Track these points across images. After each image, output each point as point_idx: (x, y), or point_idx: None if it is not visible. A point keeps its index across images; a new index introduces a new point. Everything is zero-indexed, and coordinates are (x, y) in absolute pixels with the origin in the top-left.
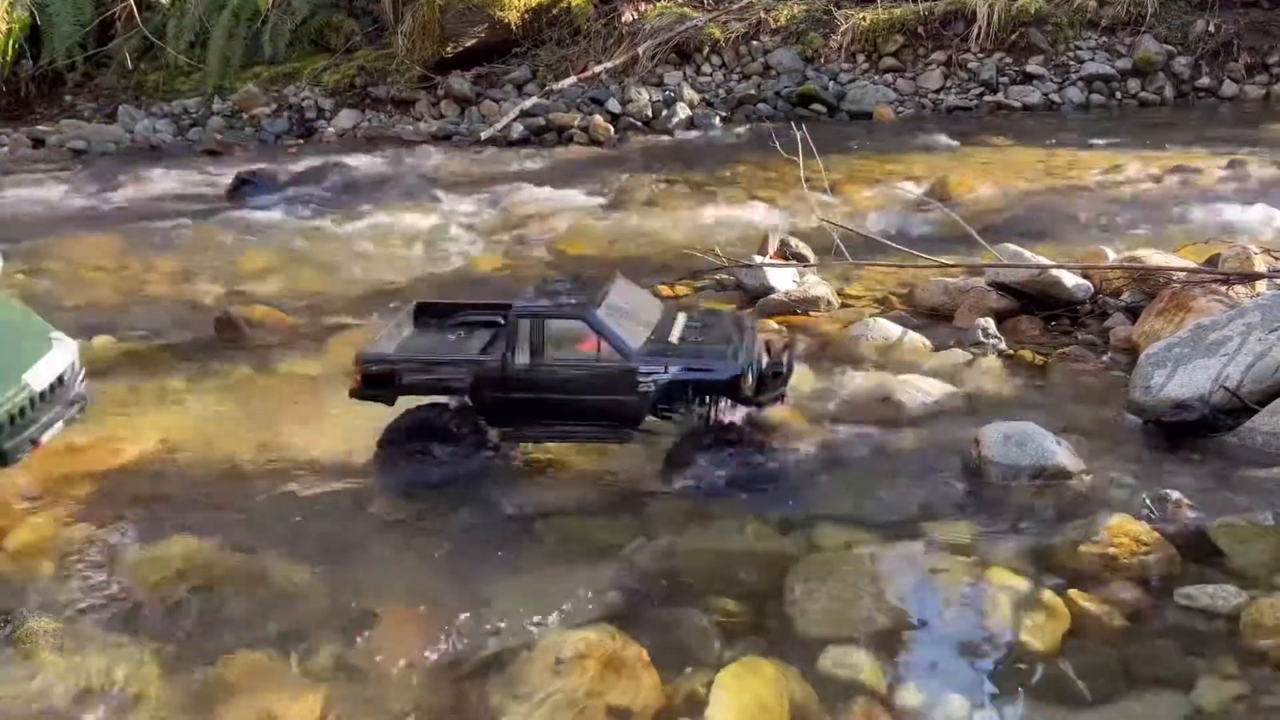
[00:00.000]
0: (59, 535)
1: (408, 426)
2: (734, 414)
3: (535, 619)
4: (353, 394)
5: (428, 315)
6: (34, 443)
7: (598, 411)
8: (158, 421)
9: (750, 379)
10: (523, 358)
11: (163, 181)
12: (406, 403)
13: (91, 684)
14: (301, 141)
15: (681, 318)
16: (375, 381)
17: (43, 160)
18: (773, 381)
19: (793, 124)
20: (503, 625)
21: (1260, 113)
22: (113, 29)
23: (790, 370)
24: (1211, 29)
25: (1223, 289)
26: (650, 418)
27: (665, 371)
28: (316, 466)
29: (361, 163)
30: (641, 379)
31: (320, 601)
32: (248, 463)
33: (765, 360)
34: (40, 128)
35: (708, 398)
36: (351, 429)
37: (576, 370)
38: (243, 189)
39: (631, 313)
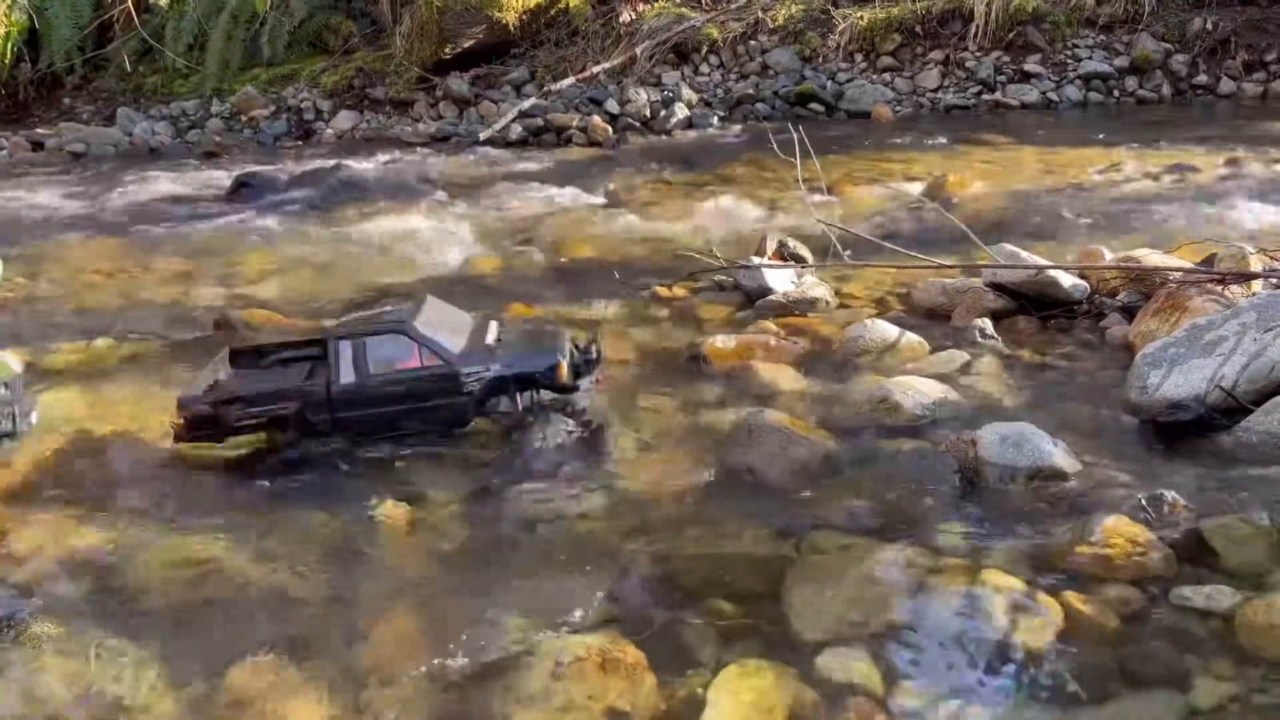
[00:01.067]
0: (62, 538)
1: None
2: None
3: (535, 624)
4: (177, 439)
5: (243, 357)
6: None
7: (426, 416)
8: (158, 425)
9: (565, 368)
10: (347, 378)
11: (162, 184)
12: None
13: (94, 689)
14: (300, 143)
15: (494, 325)
16: (200, 424)
17: (42, 163)
18: (586, 368)
19: (790, 124)
20: (503, 630)
21: (1258, 110)
22: (111, 32)
23: (600, 357)
24: (1209, 27)
25: (1219, 289)
26: (477, 419)
27: (487, 370)
28: (318, 470)
29: (360, 164)
30: (465, 380)
31: (323, 608)
32: (248, 467)
33: (576, 352)
34: (39, 130)
35: (528, 390)
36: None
37: (402, 382)
38: (242, 191)
39: (446, 324)
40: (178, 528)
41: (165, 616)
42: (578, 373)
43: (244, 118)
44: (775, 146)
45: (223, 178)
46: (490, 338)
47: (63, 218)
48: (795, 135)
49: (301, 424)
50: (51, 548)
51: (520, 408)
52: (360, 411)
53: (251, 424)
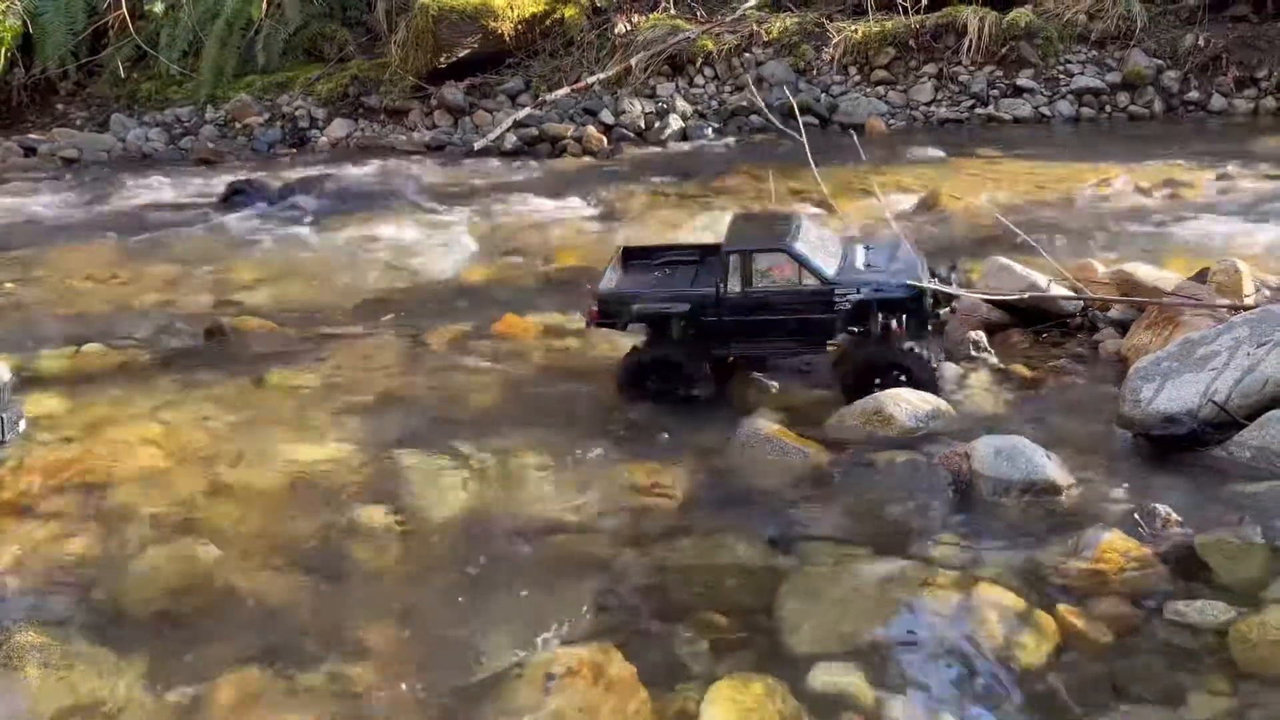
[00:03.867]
0: (47, 548)
1: (641, 363)
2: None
3: (526, 636)
4: (589, 324)
5: (635, 258)
6: None
7: (798, 328)
8: (147, 432)
9: (928, 297)
10: (735, 285)
11: (155, 190)
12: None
13: (79, 700)
14: (294, 151)
15: (859, 249)
16: (610, 312)
17: (34, 168)
18: (945, 300)
19: (795, 130)
20: (494, 643)
21: (1249, 127)
22: (105, 38)
23: (957, 279)
24: (1200, 43)
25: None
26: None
27: (857, 293)
28: (307, 479)
29: (354, 172)
30: (837, 299)
31: (311, 618)
32: (238, 475)
33: (935, 280)
34: (32, 136)
35: (891, 315)
36: (341, 442)
37: (781, 294)
38: (235, 198)
39: (822, 246)
40: (164, 537)
41: (151, 627)
42: (937, 301)
43: (238, 125)
44: (802, 140)
45: (216, 185)
46: (860, 260)
47: (54, 223)
48: (803, 142)
49: (694, 323)
50: (36, 557)
51: (879, 330)
52: (743, 317)
53: (651, 316)
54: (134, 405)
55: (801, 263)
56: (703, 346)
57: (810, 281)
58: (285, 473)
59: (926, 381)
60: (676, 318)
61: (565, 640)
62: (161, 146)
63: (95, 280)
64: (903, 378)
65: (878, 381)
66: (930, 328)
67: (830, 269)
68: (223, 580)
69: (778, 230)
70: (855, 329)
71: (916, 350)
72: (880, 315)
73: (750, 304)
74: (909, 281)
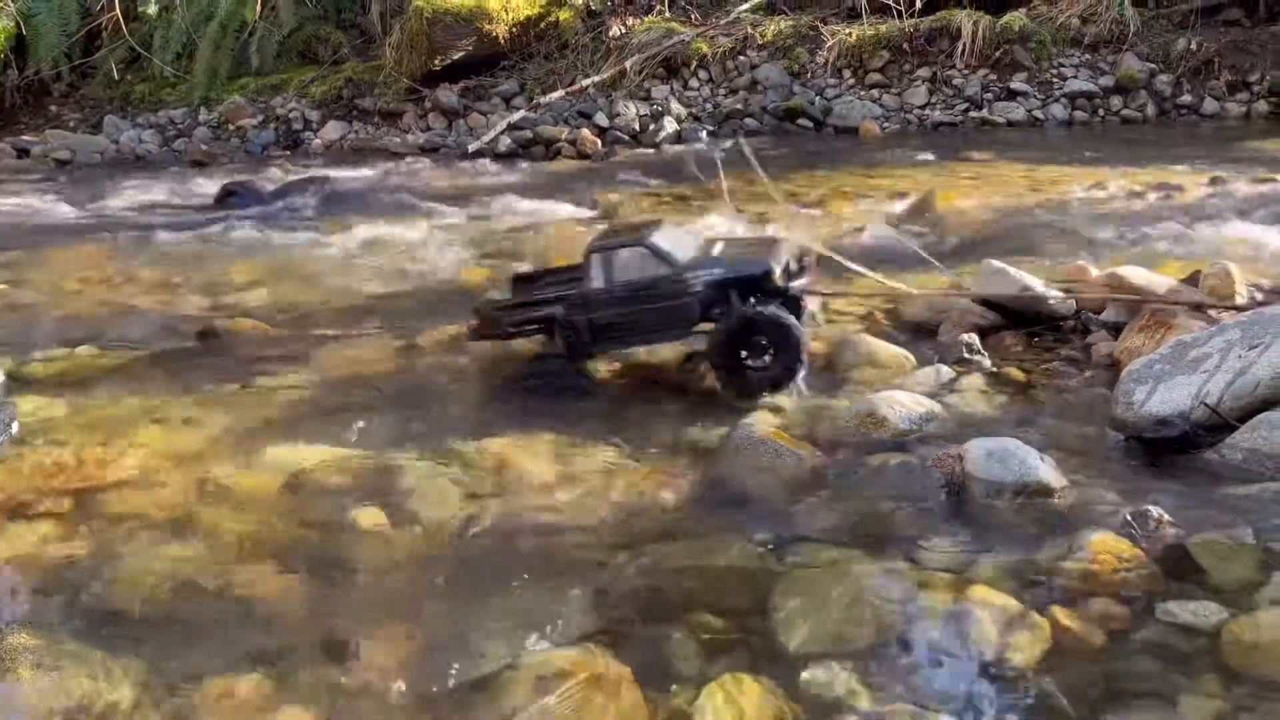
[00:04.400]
0: (39, 550)
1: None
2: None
3: (519, 638)
4: (469, 338)
5: (521, 283)
6: None
7: (660, 317)
8: (140, 433)
9: (777, 273)
10: (599, 283)
11: (148, 192)
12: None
13: (71, 703)
14: (288, 153)
15: (720, 243)
16: (485, 325)
17: (27, 170)
18: (796, 275)
19: (738, 139)
20: (487, 644)
21: (1241, 130)
22: (99, 39)
23: (808, 266)
24: (1193, 47)
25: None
26: (704, 324)
27: (710, 274)
28: (301, 481)
29: (348, 174)
30: (690, 284)
31: (304, 621)
32: (231, 476)
33: (787, 260)
34: (25, 138)
35: (749, 294)
36: (334, 443)
37: (640, 285)
38: (228, 200)
39: (680, 241)
40: (157, 538)
41: (144, 628)
42: (790, 277)
43: (232, 127)
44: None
45: (209, 187)
46: (715, 251)
47: (47, 225)
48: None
49: (564, 324)
50: (28, 558)
51: (736, 309)
52: (609, 312)
53: (527, 328)
54: (127, 407)
55: (655, 253)
56: (580, 346)
57: (665, 271)
58: (278, 474)
59: (788, 342)
60: (547, 321)
61: (559, 641)
62: (155, 148)
63: (88, 282)
64: (765, 342)
65: (744, 355)
66: (796, 308)
67: (688, 255)
68: (215, 582)
69: (637, 231)
70: (718, 313)
71: (767, 312)
72: (735, 294)
73: (614, 299)
74: (757, 265)
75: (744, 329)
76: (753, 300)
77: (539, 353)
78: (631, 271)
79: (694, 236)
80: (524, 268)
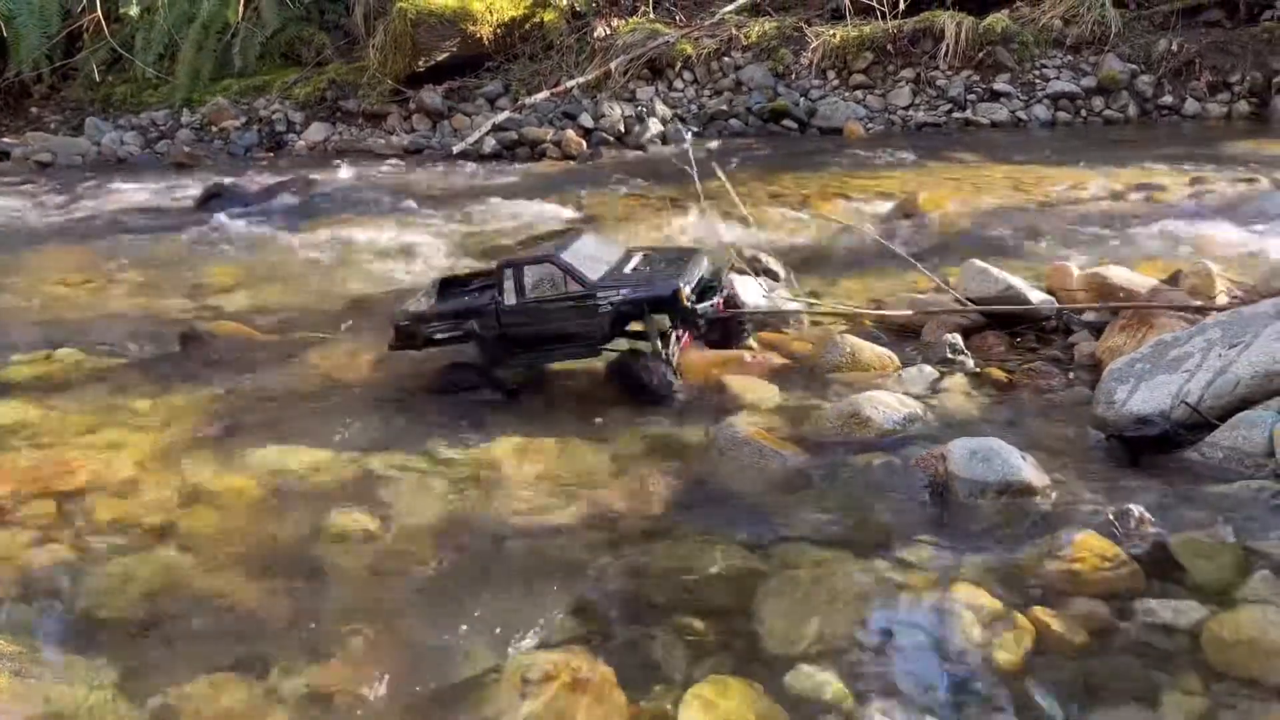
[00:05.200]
0: (18, 555)
1: (450, 374)
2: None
3: (503, 640)
4: (390, 348)
5: (447, 286)
6: None
7: (571, 333)
8: (119, 438)
9: (687, 293)
10: (510, 299)
11: (130, 194)
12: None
13: (50, 709)
14: (271, 154)
15: (637, 257)
16: (404, 337)
17: (8, 173)
18: (708, 294)
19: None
20: (470, 647)
21: (1222, 131)
22: (80, 41)
23: (722, 284)
24: (1174, 48)
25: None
26: (620, 340)
27: (618, 294)
28: (283, 484)
29: (332, 176)
30: (599, 302)
31: (286, 624)
32: (212, 480)
33: (701, 278)
34: (5, 140)
35: (658, 313)
36: (317, 446)
37: (550, 302)
38: (211, 202)
39: (594, 255)
40: (137, 543)
41: (124, 634)
42: (701, 297)
43: (214, 129)
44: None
45: (192, 189)
46: (630, 266)
47: (27, 227)
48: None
49: (478, 337)
50: (6, 564)
51: (654, 333)
52: (520, 327)
53: (442, 338)
54: (107, 410)
55: (565, 271)
56: (494, 360)
57: (575, 288)
58: (261, 478)
59: (649, 382)
60: (463, 335)
61: (542, 644)
62: (137, 150)
63: (69, 285)
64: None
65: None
66: (698, 325)
67: (599, 273)
68: (197, 586)
69: (551, 244)
70: (628, 331)
71: (634, 366)
72: (647, 312)
73: (525, 315)
74: (667, 284)
75: (620, 372)
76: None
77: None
78: (542, 287)
79: (613, 249)
80: (454, 270)
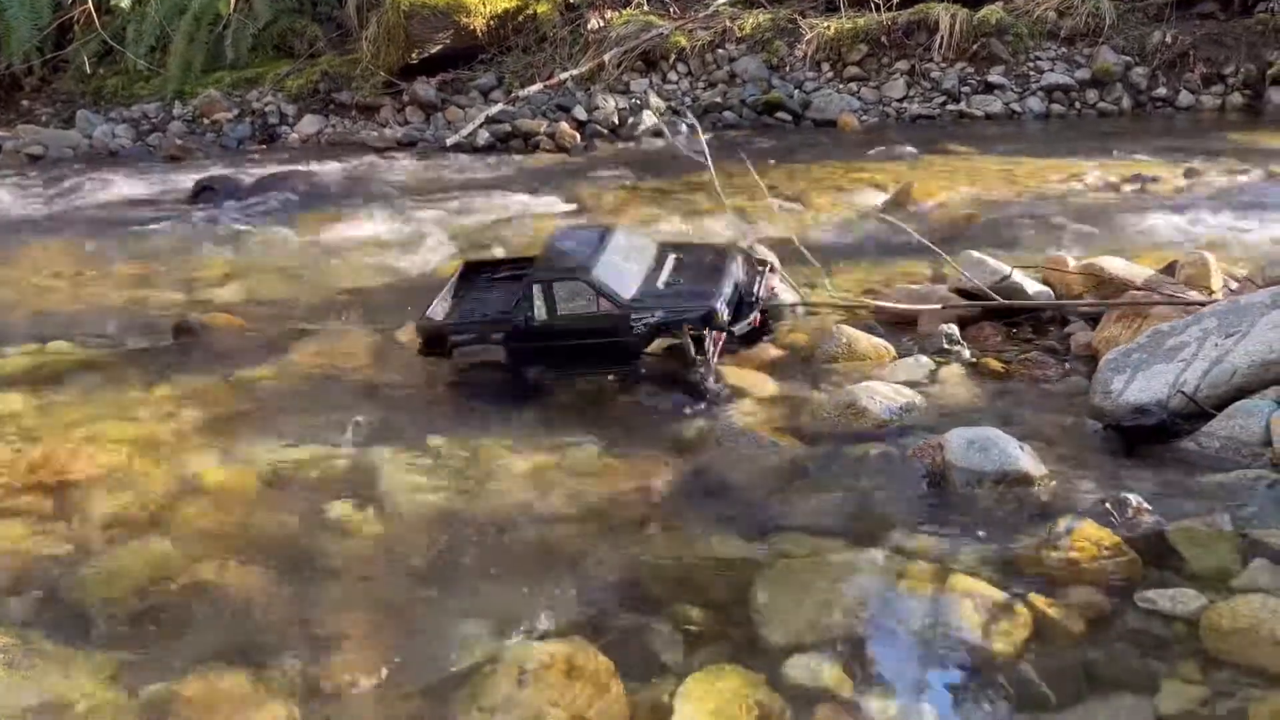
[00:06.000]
0: (12, 547)
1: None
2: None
3: (500, 631)
4: (419, 353)
5: (470, 277)
6: None
7: (603, 351)
8: (114, 430)
9: (722, 313)
10: (541, 314)
11: (122, 187)
12: None
13: (45, 700)
14: (264, 147)
15: (670, 260)
16: (431, 343)
17: None
18: (746, 310)
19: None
20: (468, 638)
21: (1216, 122)
22: (71, 33)
23: (759, 299)
24: (1168, 40)
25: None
26: (648, 355)
27: (652, 316)
28: (277, 476)
29: (325, 169)
30: (634, 323)
31: (282, 616)
32: (206, 472)
33: (735, 293)
34: None
35: (693, 330)
36: (311, 438)
37: (582, 319)
38: (204, 195)
39: (624, 266)
40: (131, 535)
41: (119, 625)
42: (737, 313)
43: (207, 121)
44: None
45: (185, 181)
46: (662, 278)
47: (19, 220)
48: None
49: (508, 351)
50: (1, 556)
51: (689, 348)
52: (550, 343)
53: (469, 349)
54: (101, 404)
55: (598, 290)
56: (523, 368)
57: (606, 309)
58: (254, 470)
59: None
60: (491, 347)
61: (540, 635)
62: (129, 143)
63: (61, 278)
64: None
65: None
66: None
67: (631, 289)
68: (191, 578)
69: (581, 254)
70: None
71: (684, 371)
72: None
73: (555, 333)
74: (702, 304)
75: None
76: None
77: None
78: (573, 305)
79: (645, 250)
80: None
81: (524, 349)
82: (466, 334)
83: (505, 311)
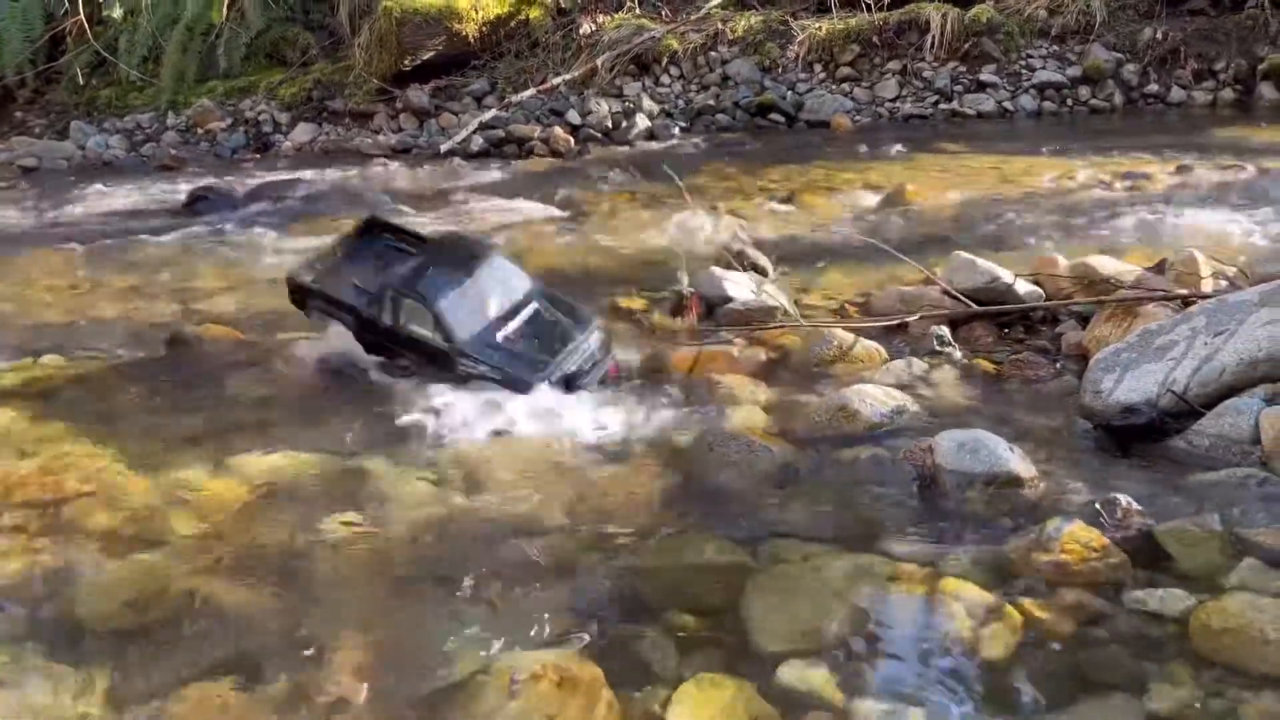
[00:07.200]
0: (2, 562)
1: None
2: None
3: (491, 640)
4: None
5: (367, 238)
6: None
7: (431, 364)
8: (107, 443)
9: (548, 385)
10: (386, 319)
11: (116, 198)
12: None
13: (36, 717)
14: (258, 156)
15: (527, 311)
16: (296, 299)
17: None
18: (583, 375)
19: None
20: (458, 648)
21: (1207, 118)
22: (63, 44)
23: (604, 357)
24: (1159, 36)
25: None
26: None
27: (475, 369)
28: (270, 488)
29: (319, 177)
30: (461, 363)
31: (273, 629)
32: (199, 485)
33: (578, 362)
34: None
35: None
36: (306, 448)
37: (418, 340)
38: (198, 204)
39: (479, 298)
40: (123, 549)
41: (110, 640)
42: (569, 383)
43: (200, 131)
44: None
45: (179, 191)
46: (509, 330)
47: (12, 232)
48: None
49: (356, 335)
50: None
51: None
52: (392, 343)
53: (321, 317)
54: (94, 416)
55: (437, 320)
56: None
57: (442, 340)
58: (248, 482)
59: None
60: (341, 323)
61: (530, 644)
62: (122, 154)
63: (54, 290)
64: None
65: None
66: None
67: (471, 330)
68: (184, 591)
69: (443, 274)
70: None
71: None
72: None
73: (394, 337)
74: (525, 379)
75: None
76: None
77: None
78: (414, 323)
79: (513, 289)
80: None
81: (369, 340)
82: (321, 301)
83: (362, 293)
